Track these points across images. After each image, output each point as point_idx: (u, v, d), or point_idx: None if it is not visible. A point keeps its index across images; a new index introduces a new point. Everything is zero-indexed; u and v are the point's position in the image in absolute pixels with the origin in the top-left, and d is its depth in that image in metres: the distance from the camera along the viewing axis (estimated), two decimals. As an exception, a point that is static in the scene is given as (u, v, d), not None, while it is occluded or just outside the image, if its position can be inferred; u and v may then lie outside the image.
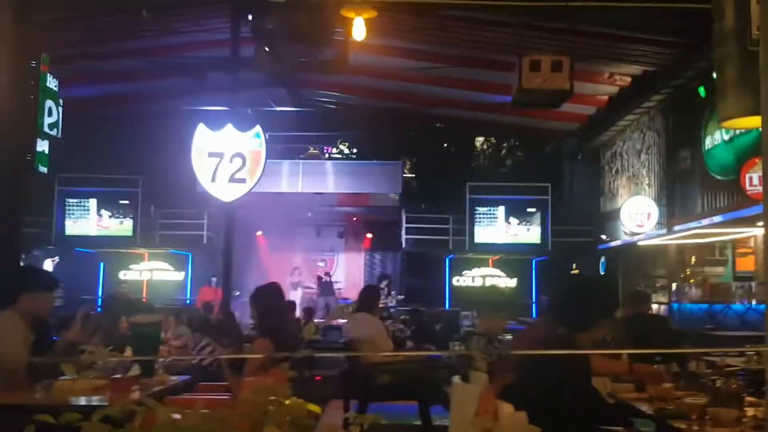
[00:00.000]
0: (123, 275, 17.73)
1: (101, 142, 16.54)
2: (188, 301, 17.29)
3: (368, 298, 7.35)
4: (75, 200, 16.76)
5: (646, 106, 13.58)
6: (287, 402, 1.36)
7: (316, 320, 13.83)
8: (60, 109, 8.12)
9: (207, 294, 15.48)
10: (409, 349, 10.03)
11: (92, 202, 16.81)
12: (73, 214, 16.78)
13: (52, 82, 8.02)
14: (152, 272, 18.33)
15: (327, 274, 18.17)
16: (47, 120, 7.89)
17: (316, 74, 13.01)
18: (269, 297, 5.03)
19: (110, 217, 16.89)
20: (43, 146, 7.81)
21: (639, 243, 13.54)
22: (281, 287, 5.13)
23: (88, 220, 16.83)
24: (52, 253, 17.30)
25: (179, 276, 18.49)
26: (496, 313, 4.68)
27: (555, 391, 2.92)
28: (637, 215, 13.57)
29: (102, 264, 17.89)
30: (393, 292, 17.56)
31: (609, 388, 4.26)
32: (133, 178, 16.66)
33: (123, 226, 16.83)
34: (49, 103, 7.95)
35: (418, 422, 6.69)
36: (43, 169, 7.77)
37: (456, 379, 4.41)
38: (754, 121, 2.45)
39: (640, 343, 5.56)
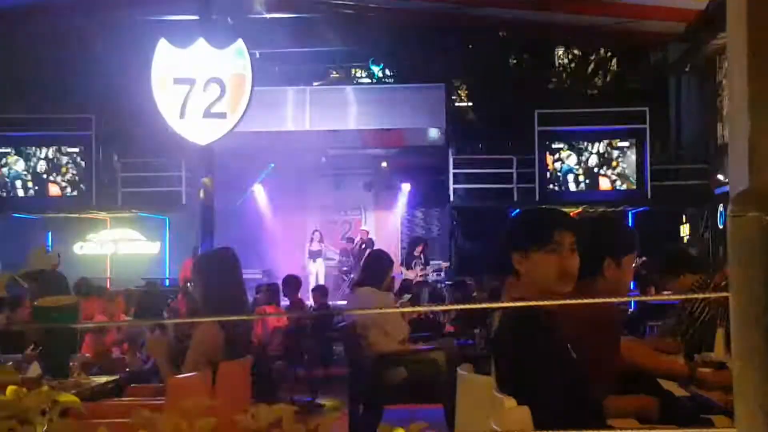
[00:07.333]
0: (79, 248, 17.98)
1: (33, 69, 16.59)
2: (167, 281, 17.42)
3: (373, 267, 7.28)
4: (7, 149, 16.83)
5: (779, -8, 13.06)
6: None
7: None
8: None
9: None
10: (447, 334, 10.00)
11: (30, 151, 16.84)
12: (5, 167, 16.85)
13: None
14: (117, 243, 18.60)
15: (364, 240, 18.13)
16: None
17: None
18: (218, 266, 4.97)
19: (55, 171, 16.88)
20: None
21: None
22: (235, 253, 5.06)
23: (25, 175, 16.89)
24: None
25: (153, 248, 18.74)
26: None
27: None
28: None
29: (50, 234, 18.15)
30: (433, 261, 17.61)
31: None
32: (82, 117, 16.58)
33: (72, 183, 16.91)
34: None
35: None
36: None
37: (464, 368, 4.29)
38: None
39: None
